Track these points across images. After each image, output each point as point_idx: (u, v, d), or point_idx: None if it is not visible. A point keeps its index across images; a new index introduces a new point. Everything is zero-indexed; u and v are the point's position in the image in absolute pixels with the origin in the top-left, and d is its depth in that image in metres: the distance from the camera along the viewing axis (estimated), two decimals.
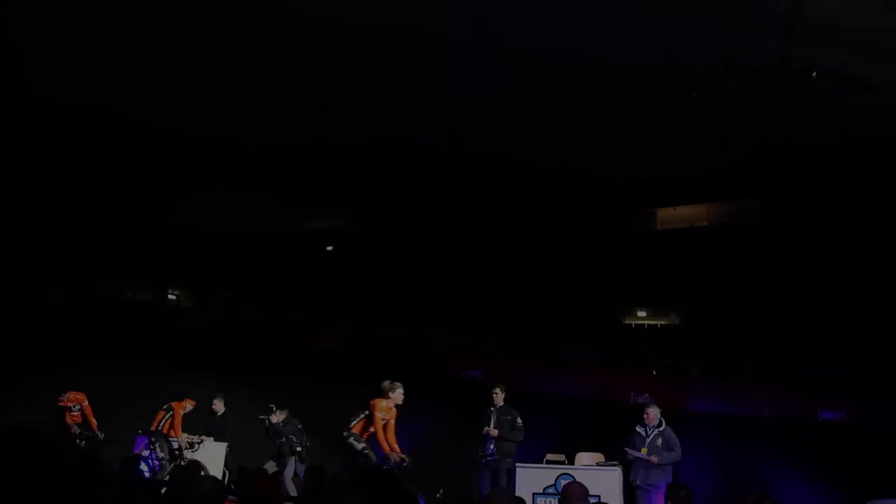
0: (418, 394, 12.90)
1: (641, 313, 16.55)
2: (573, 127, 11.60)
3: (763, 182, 13.64)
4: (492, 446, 8.76)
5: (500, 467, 8.68)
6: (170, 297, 19.00)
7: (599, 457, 9.12)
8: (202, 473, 6.52)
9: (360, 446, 8.29)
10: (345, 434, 8.44)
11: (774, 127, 11.00)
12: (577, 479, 6.65)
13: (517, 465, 8.86)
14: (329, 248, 18.71)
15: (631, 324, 16.51)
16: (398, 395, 8.53)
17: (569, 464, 8.88)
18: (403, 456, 8.32)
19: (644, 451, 8.18)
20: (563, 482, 7.41)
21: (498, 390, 9.08)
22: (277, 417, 11.06)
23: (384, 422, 8.37)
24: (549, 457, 9.02)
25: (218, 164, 13.62)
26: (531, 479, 8.67)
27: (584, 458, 9.15)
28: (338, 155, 12.91)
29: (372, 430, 8.41)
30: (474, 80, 10.28)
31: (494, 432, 8.73)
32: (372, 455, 8.26)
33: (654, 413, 8.39)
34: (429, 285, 15.85)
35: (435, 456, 11.24)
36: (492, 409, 8.92)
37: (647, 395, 9.06)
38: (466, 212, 15.56)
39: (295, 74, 10.39)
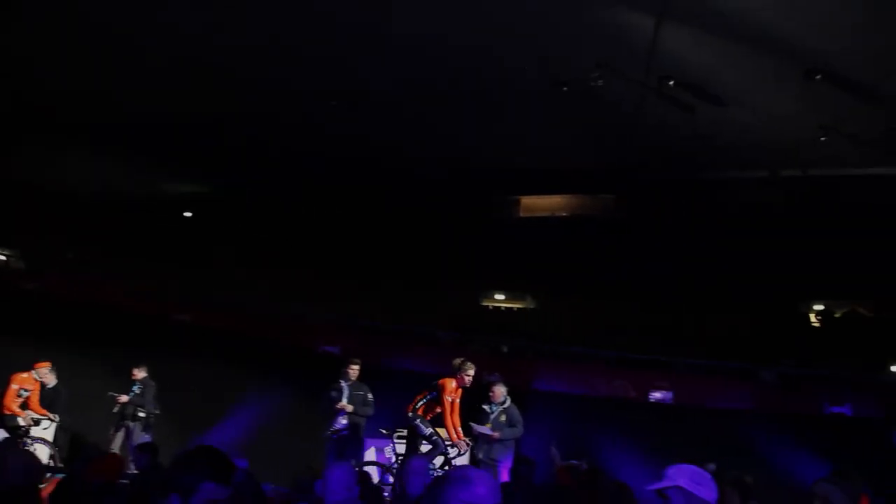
0: (273, 367, 12.66)
1: (499, 296, 17.16)
2: (442, 114, 11.79)
3: (620, 179, 14.54)
4: (344, 421, 8.75)
5: (348, 442, 8.69)
6: None
7: None
8: (26, 450, 6.04)
9: (427, 431, 7.86)
10: (410, 415, 7.97)
11: (636, 127, 11.72)
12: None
13: (367, 439, 8.93)
14: (187, 213, 17.80)
15: (488, 306, 17.08)
16: (468, 375, 8.02)
17: None
18: (468, 440, 8.03)
19: (488, 426, 8.50)
20: None
21: (354, 366, 9.07)
22: (137, 375, 10.62)
23: (451, 403, 7.95)
24: (400, 432, 9.17)
25: (62, 114, 12.51)
26: (379, 453, 8.80)
27: None
28: (191, 118, 12.29)
29: (438, 410, 7.97)
30: (342, 66, 10.20)
31: (349, 407, 8.72)
32: (439, 441, 7.89)
33: (499, 391, 8.68)
34: (287, 256, 15.54)
35: (286, 430, 11.13)
36: (342, 383, 8.89)
37: (496, 373, 9.38)
38: (327, 188, 15.33)
39: (154, 24, 9.76)
